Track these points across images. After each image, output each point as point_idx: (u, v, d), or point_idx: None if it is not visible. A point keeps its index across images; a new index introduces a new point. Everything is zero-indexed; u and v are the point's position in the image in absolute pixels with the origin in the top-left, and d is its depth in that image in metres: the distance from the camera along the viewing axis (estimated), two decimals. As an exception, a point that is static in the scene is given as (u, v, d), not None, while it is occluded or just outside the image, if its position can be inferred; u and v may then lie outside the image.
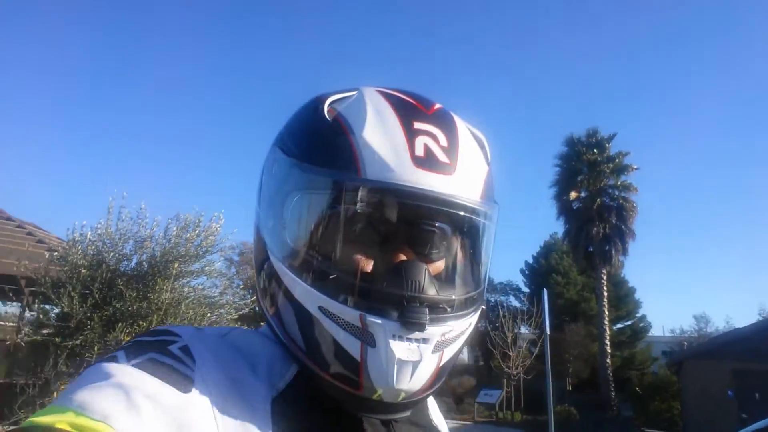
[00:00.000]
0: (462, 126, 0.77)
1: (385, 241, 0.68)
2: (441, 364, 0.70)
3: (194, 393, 0.60)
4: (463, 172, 0.70)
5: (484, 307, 0.83)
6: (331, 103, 0.73)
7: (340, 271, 0.67)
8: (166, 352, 0.64)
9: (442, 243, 0.72)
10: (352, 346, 0.64)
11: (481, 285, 0.78)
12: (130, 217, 6.80)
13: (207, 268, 6.92)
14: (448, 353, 0.70)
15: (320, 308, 0.65)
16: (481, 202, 0.72)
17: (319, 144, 0.71)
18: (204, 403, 0.61)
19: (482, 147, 0.82)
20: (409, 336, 0.64)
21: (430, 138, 0.69)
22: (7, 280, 7.37)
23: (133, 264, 6.72)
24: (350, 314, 0.64)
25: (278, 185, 0.73)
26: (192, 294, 6.65)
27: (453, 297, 0.71)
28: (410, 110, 0.72)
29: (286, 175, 0.72)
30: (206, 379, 0.63)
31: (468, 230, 0.77)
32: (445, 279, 0.73)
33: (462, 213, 0.71)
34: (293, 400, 0.68)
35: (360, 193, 0.67)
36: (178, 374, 0.61)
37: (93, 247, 6.58)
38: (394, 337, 0.63)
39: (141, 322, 6.02)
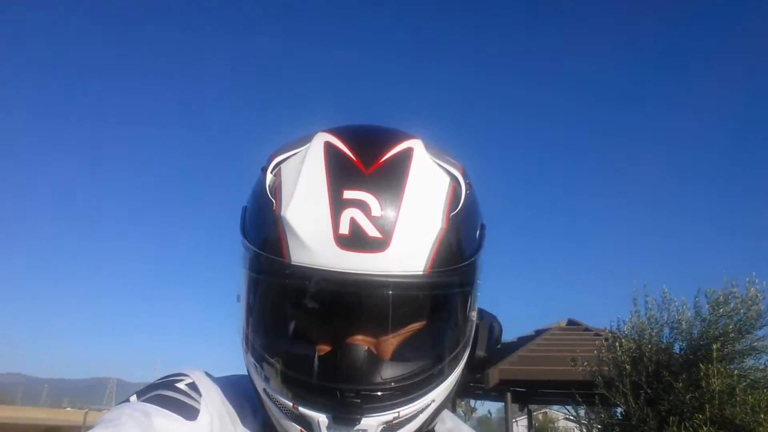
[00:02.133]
0: (417, 174, 0.67)
1: (323, 326, 0.66)
2: None
3: (200, 421, 0.66)
4: (399, 244, 0.62)
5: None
6: (276, 165, 0.71)
7: (274, 358, 0.67)
8: (174, 389, 0.69)
9: (385, 324, 0.65)
10: (292, 430, 0.66)
11: (444, 357, 0.68)
12: (656, 304, 6.65)
13: (758, 343, 5.85)
14: None
15: (264, 391, 0.68)
16: (423, 273, 0.63)
17: (254, 218, 0.71)
18: (206, 430, 0.67)
19: (451, 190, 0.70)
20: (344, 427, 0.63)
21: (359, 209, 0.62)
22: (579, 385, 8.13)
23: (674, 351, 6.40)
24: (285, 404, 0.65)
25: (237, 259, 0.74)
26: (748, 376, 5.69)
27: (395, 381, 0.65)
28: (344, 173, 0.65)
29: (239, 249, 0.73)
30: (211, 410, 0.69)
31: (417, 305, 0.68)
32: (398, 360, 0.66)
33: (397, 291, 0.63)
34: None
35: (285, 278, 0.65)
36: (185, 405, 0.67)
37: (630, 342, 6.66)
38: (329, 428, 0.63)
39: (697, 414, 5.52)
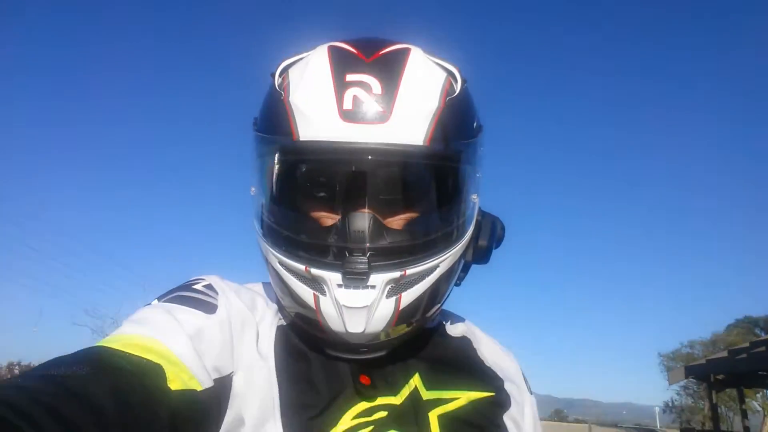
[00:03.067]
0: (414, 65, 0.73)
1: (332, 196, 0.71)
2: (401, 308, 0.69)
3: (218, 315, 0.71)
4: (400, 117, 0.68)
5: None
6: (284, 68, 0.77)
7: (288, 228, 0.72)
8: (192, 290, 0.74)
9: (389, 191, 0.71)
10: (306, 295, 0.70)
11: (447, 226, 0.74)
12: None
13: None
14: (408, 297, 0.70)
15: (279, 263, 0.72)
16: (424, 144, 0.69)
17: (266, 112, 0.77)
18: (226, 323, 0.71)
19: (447, 81, 0.75)
20: (354, 284, 0.67)
21: (361, 88, 0.68)
22: None
23: None
24: (298, 267, 0.70)
25: (250, 157, 0.79)
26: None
27: (400, 243, 0.70)
28: (347, 61, 0.71)
29: (252, 145, 0.78)
30: (227, 305, 0.73)
31: (418, 174, 0.73)
32: (403, 226, 0.72)
33: (399, 158, 0.70)
34: (295, 332, 0.77)
35: (293, 154, 0.72)
36: (203, 302, 0.72)
37: None
38: (339, 286, 0.67)
39: None
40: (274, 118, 0.73)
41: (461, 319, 0.96)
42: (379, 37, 0.80)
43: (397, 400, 0.74)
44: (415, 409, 0.74)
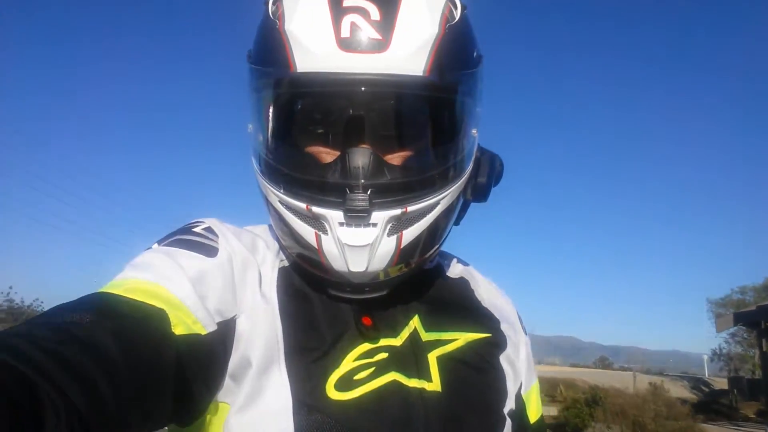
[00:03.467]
0: None
1: (331, 131, 0.70)
2: (402, 246, 0.69)
3: (219, 257, 0.71)
4: (399, 45, 0.65)
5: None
6: None
7: (287, 165, 0.71)
8: (191, 233, 0.74)
9: (390, 125, 0.69)
10: (307, 234, 0.70)
11: (448, 161, 0.72)
12: None
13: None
14: (409, 234, 0.69)
15: (280, 201, 0.71)
16: (423, 75, 0.66)
17: (260, 42, 0.74)
18: (226, 266, 0.71)
19: (447, 7, 0.72)
20: (355, 222, 0.67)
21: (359, 15, 0.65)
22: None
23: None
24: (299, 206, 0.69)
25: (246, 92, 0.76)
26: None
27: (401, 179, 0.68)
28: None
29: (247, 79, 0.75)
30: (227, 248, 0.73)
31: (418, 107, 0.71)
32: (403, 162, 0.70)
33: (400, 90, 0.68)
34: (297, 273, 0.77)
35: (291, 87, 0.69)
36: (203, 245, 0.71)
37: None
38: (341, 224, 0.67)
39: None
40: (269, 49, 0.71)
41: (459, 261, 0.95)
42: None
43: (397, 341, 0.75)
44: (415, 350, 0.75)
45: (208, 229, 0.76)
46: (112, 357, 0.51)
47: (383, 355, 0.72)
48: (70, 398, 0.45)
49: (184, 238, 0.73)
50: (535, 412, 0.88)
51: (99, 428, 0.47)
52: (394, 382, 0.71)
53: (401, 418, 0.69)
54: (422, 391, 0.72)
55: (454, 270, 0.92)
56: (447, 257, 0.95)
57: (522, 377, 0.85)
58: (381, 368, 0.71)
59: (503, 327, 0.86)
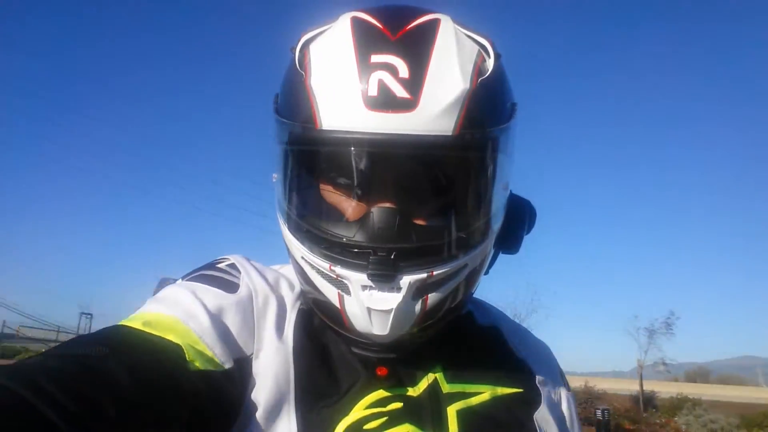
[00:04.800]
0: (443, 42, 0.67)
1: (357, 190, 0.68)
2: (427, 309, 0.68)
3: (239, 294, 0.71)
4: (428, 104, 0.63)
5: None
6: (304, 42, 0.72)
7: (311, 223, 0.69)
8: (215, 269, 0.75)
9: (416, 185, 0.67)
10: (330, 293, 0.68)
11: (477, 221, 0.70)
12: None
13: None
14: (435, 297, 0.68)
15: (302, 257, 0.70)
16: (453, 134, 0.64)
17: (287, 93, 0.72)
18: (246, 303, 0.71)
19: (479, 57, 0.69)
20: (380, 286, 0.65)
21: (388, 71, 0.63)
22: None
23: None
24: (322, 265, 0.67)
25: (271, 139, 0.75)
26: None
27: (428, 242, 0.66)
28: (371, 40, 0.66)
29: (272, 127, 0.74)
30: (249, 285, 0.73)
31: (447, 167, 0.68)
32: (430, 223, 0.68)
33: (428, 151, 0.65)
34: (316, 316, 0.75)
35: (315, 144, 0.68)
36: (225, 281, 0.72)
37: None
38: (364, 288, 0.65)
39: None
40: (294, 102, 0.69)
41: (492, 308, 0.92)
42: (405, 4, 0.74)
43: (414, 392, 0.72)
44: (433, 402, 0.72)
45: (232, 266, 0.77)
46: (123, 386, 0.52)
47: (397, 405, 0.69)
48: (69, 413, 0.46)
49: (208, 273, 0.74)
50: None
51: None
52: None
53: None
54: None
55: (486, 318, 0.89)
56: (479, 304, 0.91)
57: None
58: (394, 418, 0.68)
59: (539, 381, 0.81)
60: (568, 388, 0.87)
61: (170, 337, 0.61)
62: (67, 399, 0.47)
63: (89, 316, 37.97)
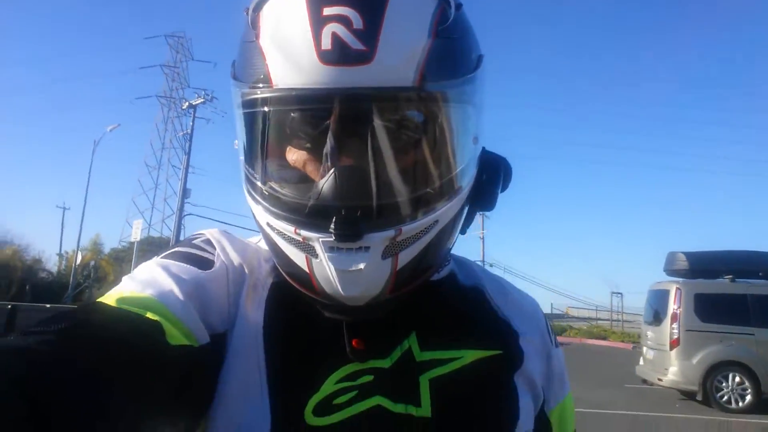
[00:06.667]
0: None
1: (316, 150, 0.66)
2: (398, 268, 0.66)
3: (213, 271, 0.71)
4: (385, 55, 0.61)
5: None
6: (258, 3, 0.70)
7: (273, 186, 0.68)
8: (190, 245, 0.75)
9: (379, 141, 0.64)
10: (298, 258, 0.66)
11: (445, 176, 0.67)
12: None
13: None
14: (406, 255, 0.66)
15: (267, 224, 0.68)
16: (413, 85, 0.62)
17: (241, 56, 0.71)
18: (220, 280, 0.71)
19: (439, 7, 0.66)
20: (346, 246, 0.63)
21: (341, 24, 0.61)
22: None
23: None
24: (287, 228, 0.66)
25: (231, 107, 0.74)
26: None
27: (394, 199, 0.64)
28: None
29: (231, 93, 0.72)
30: (224, 261, 0.74)
31: (409, 120, 0.66)
32: (396, 180, 0.65)
33: (388, 104, 0.63)
34: (290, 290, 0.72)
35: (271, 104, 0.65)
36: (200, 258, 0.72)
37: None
38: (331, 249, 0.63)
39: None
40: (249, 64, 0.67)
41: (478, 268, 0.89)
42: None
43: (386, 363, 0.70)
44: (406, 372, 0.70)
45: (207, 242, 0.77)
46: (105, 367, 0.51)
47: (368, 378, 0.69)
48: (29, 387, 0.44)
49: (182, 250, 0.74)
50: (563, 430, 0.83)
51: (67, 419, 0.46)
52: (378, 407, 0.67)
53: None
54: (409, 417, 0.68)
55: (470, 278, 0.86)
56: (464, 264, 0.88)
57: (546, 394, 0.80)
58: (364, 392, 0.68)
59: (523, 341, 0.79)
60: (556, 345, 0.85)
61: (146, 313, 0.60)
62: (33, 371, 0.46)
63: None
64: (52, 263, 36.16)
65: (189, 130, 29.67)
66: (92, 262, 33.22)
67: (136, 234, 25.69)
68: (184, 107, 31.77)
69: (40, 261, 33.73)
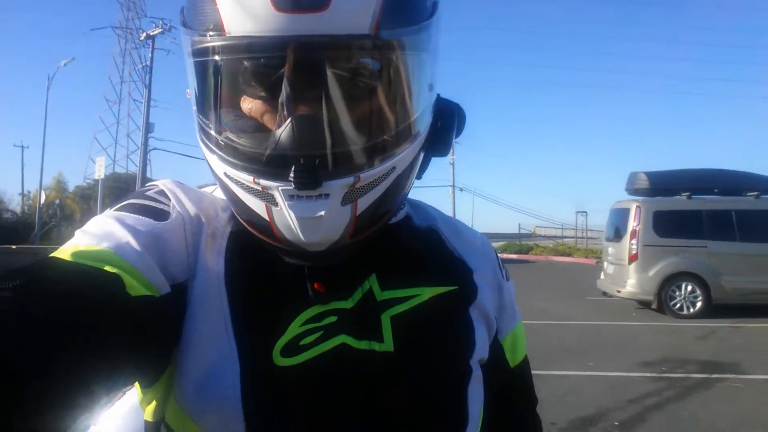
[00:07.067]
0: None
1: (272, 99, 0.65)
2: (358, 213, 0.68)
3: (169, 222, 0.70)
4: (341, 2, 0.60)
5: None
6: None
7: (230, 138, 0.67)
8: (143, 197, 0.74)
9: (335, 89, 0.64)
10: (257, 206, 0.67)
11: (402, 123, 0.69)
12: None
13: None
14: (365, 201, 0.67)
15: (225, 173, 0.68)
16: (369, 33, 0.62)
17: (191, 1, 0.69)
18: (177, 230, 0.70)
19: None
20: (306, 194, 0.64)
21: None
22: None
23: None
24: (245, 178, 0.65)
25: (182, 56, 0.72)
26: None
27: (351, 146, 0.65)
28: None
29: (181, 42, 0.70)
30: (179, 211, 0.73)
31: (365, 68, 0.66)
32: (353, 127, 0.66)
33: (343, 51, 0.63)
34: (249, 238, 0.74)
35: (223, 53, 0.64)
36: (155, 209, 0.71)
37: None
38: (291, 197, 0.64)
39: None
40: (200, 11, 0.65)
41: (432, 210, 0.91)
42: None
43: (349, 303, 0.73)
44: (368, 311, 0.73)
45: (161, 192, 0.75)
46: (65, 322, 0.51)
47: (332, 319, 0.71)
48: None
49: (135, 202, 0.73)
50: (515, 355, 0.88)
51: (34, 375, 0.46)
52: (343, 346, 0.70)
53: (348, 381, 0.69)
54: (372, 352, 0.71)
55: (425, 220, 0.88)
56: (418, 206, 0.90)
57: (498, 323, 0.85)
58: (329, 332, 0.70)
59: (476, 276, 0.82)
60: (507, 278, 0.89)
61: (104, 266, 0.59)
62: None
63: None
64: (15, 204, 35.47)
65: (148, 62, 28.13)
66: (57, 201, 32.63)
67: (100, 171, 24.73)
68: (141, 38, 29.72)
69: (2, 201, 33.04)
